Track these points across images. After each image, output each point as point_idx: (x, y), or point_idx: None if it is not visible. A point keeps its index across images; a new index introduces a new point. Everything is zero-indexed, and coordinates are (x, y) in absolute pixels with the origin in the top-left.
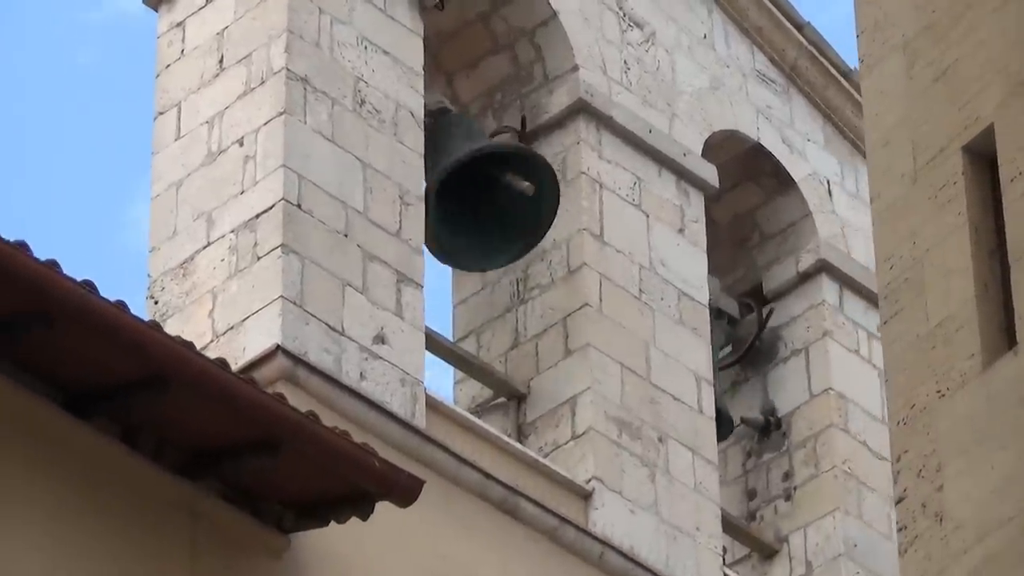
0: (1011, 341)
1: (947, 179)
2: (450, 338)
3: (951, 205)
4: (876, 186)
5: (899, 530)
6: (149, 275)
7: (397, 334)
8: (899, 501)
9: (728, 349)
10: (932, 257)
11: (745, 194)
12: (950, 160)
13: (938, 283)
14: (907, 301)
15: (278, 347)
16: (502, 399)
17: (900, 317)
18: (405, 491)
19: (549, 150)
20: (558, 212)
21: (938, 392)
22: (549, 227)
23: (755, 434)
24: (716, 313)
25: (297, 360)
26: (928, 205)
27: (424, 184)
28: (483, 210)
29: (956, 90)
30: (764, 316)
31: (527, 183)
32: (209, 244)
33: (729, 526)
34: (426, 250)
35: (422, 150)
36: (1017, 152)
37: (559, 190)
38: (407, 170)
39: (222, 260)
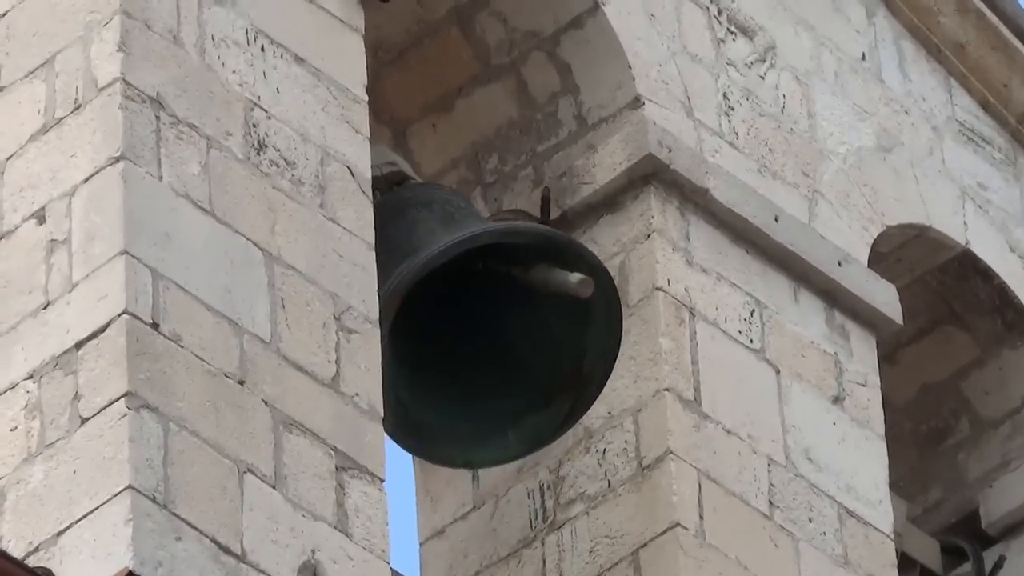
0: None
1: None
2: None
3: None
4: None
5: None
6: None
7: (342, 563)
8: None
9: None
10: None
11: (943, 346)
12: None
13: None
14: None
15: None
16: None
17: None
18: None
19: (595, 250)
20: (617, 359)
21: None
22: (606, 380)
23: None
24: (900, 560)
25: None
26: None
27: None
28: (480, 354)
29: None
30: (989, 569)
31: (579, 275)
32: None
33: None
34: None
35: (372, 234)
36: None
37: (621, 312)
38: (347, 271)
39: (13, 429)
